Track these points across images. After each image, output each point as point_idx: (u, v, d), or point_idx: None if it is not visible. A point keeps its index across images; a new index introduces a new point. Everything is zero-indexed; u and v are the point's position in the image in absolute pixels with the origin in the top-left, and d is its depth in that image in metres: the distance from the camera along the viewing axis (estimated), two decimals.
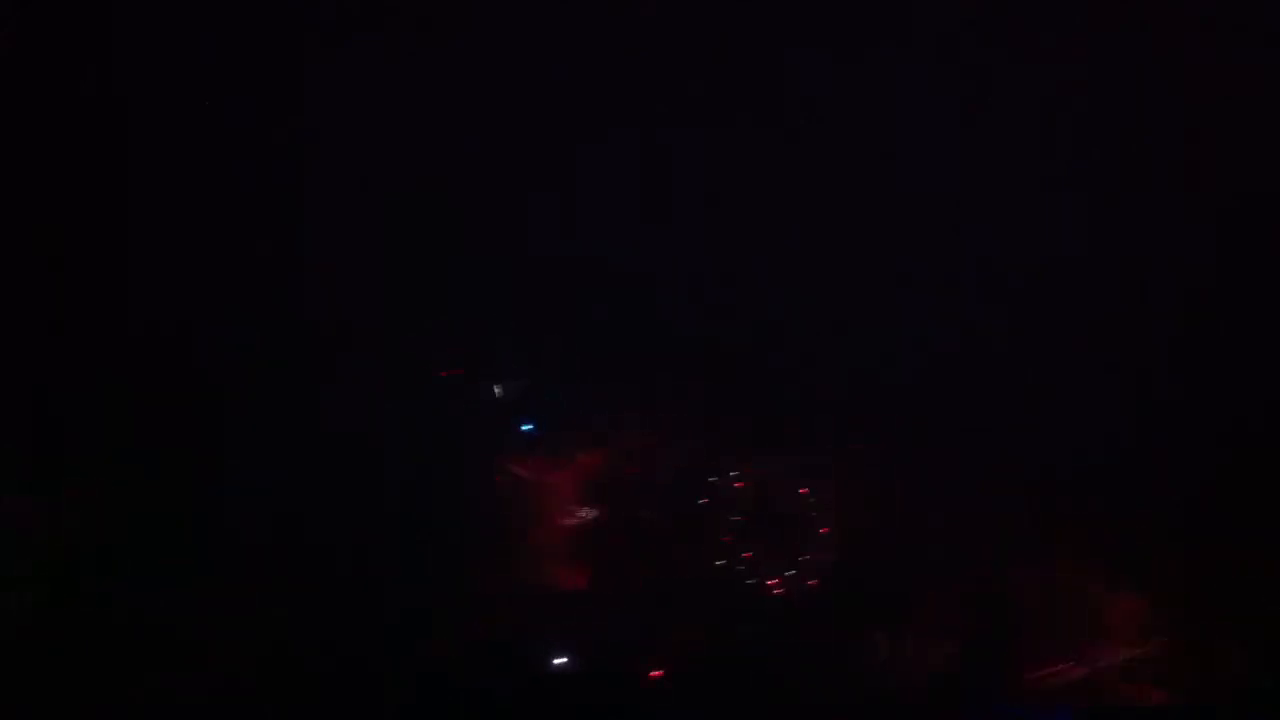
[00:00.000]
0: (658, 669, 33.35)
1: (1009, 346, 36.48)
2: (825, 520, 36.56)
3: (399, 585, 33.50)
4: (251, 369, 35.33)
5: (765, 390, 37.33)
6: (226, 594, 32.13)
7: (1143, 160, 37.32)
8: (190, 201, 35.98)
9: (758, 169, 38.18)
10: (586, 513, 36.48)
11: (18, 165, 34.72)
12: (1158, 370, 36.14)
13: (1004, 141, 37.54)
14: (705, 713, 33.23)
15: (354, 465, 35.02)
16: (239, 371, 35.32)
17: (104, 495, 33.24)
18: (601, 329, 37.46)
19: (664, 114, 38.25)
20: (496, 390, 36.81)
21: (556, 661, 33.21)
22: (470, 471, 36.38)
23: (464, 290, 37.86)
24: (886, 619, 34.60)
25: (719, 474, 36.89)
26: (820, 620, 34.90)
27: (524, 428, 37.15)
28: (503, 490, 36.60)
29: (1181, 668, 33.98)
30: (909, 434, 36.19)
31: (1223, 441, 35.03)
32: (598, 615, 34.62)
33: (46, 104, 35.40)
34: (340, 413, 35.13)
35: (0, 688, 30.18)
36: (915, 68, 37.72)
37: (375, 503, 34.75)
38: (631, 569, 35.77)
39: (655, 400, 36.90)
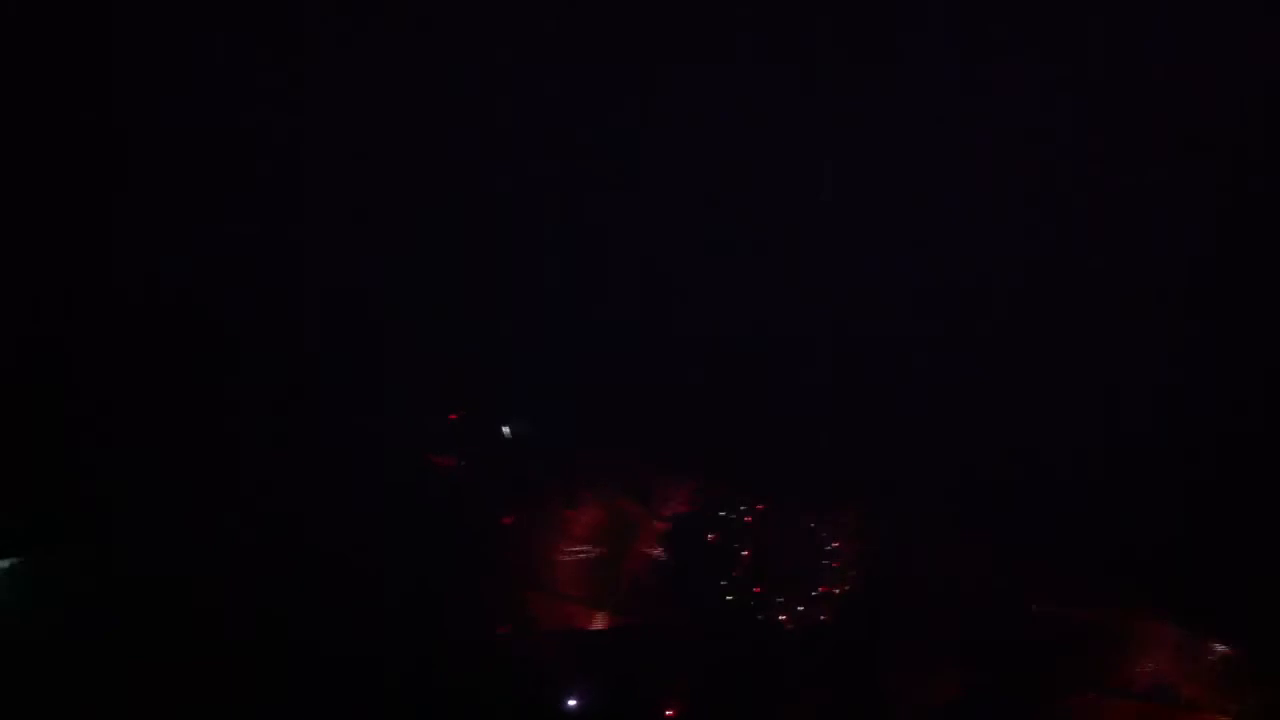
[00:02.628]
0: (672, 708, 33.07)
1: (1008, 347, 36.54)
2: (835, 553, 36.39)
3: (412, 621, 33.02)
4: (253, 373, 35.52)
5: (767, 405, 36.99)
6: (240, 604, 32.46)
7: (1143, 159, 37.32)
8: (188, 204, 36.10)
9: (758, 170, 38.20)
10: (598, 552, 36.34)
11: (16, 165, 34.80)
12: (1158, 371, 36.18)
13: (1004, 141, 37.60)
14: None
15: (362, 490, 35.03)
16: (239, 374, 35.54)
17: (106, 497, 33.53)
18: (602, 334, 37.56)
19: (664, 114, 38.25)
20: (505, 430, 36.91)
21: (571, 702, 33.21)
22: (478, 505, 36.27)
23: (463, 291, 37.96)
24: (900, 649, 34.31)
25: (728, 510, 36.75)
26: (833, 653, 34.61)
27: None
28: (516, 527, 36.48)
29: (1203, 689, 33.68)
30: (908, 442, 36.25)
31: (1225, 443, 35.06)
32: (612, 654, 34.42)
33: (47, 103, 35.41)
34: (348, 437, 35.40)
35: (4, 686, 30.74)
36: (915, 67, 37.68)
37: (388, 532, 34.32)
38: (645, 607, 35.61)
39: (661, 430, 36.65)
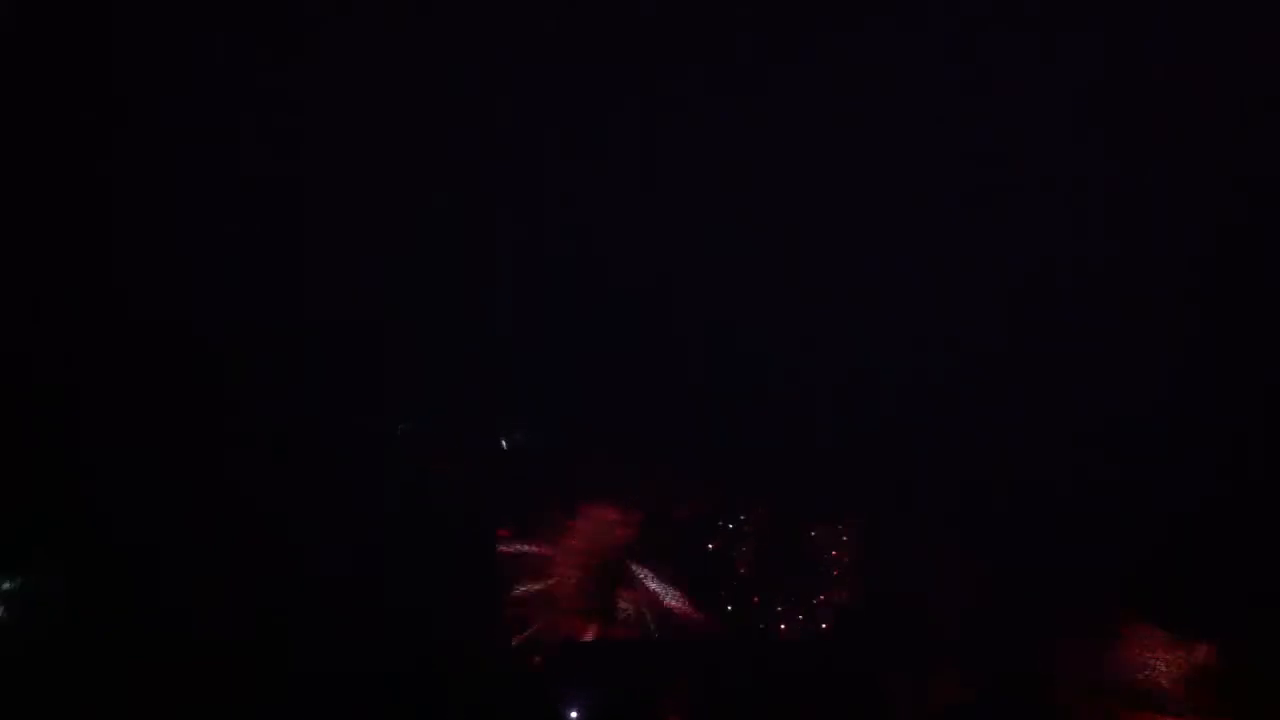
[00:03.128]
0: (674, 716, 33.03)
1: (1008, 348, 36.48)
2: (835, 561, 36.35)
3: (411, 629, 32.98)
4: (253, 373, 35.48)
5: (768, 409, 36.87)
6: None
7: (1143, 159, 37.26)
8: (187, 205, 36.11)
9: (758, 170, 38.15)
10: (600, 563, 36.25)
11: (16, 165, 34.72)
12: (1158, 371, 36.12)
13: (1004, 141, 37.56)
14: None
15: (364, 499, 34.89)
16: (239, 374, 35.49)
17: (106, 497, 33.45)
18: (602, 334, 37.48)
19: (664, 114, 38.23)
20: (503, 442, 36.85)
21: (573, 714, 33.04)
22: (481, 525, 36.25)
23: (463, 291, 37.90)
24: (899, 655, 34.22)
25: (728, 518, 36.69)
26: (833, 660, 34.68)
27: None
28: (514, 535, 36.39)
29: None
30: (909, 445, 36.16)
31: (1225, 443, 34.95)
32: (613, 663, 34.56)
33: (47, 103, 35.36)
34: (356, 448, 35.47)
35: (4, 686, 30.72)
36: (915, 67, 37.64)
37: (387, 538, 34.36)
38: (645, 617, 35.62)
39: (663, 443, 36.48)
